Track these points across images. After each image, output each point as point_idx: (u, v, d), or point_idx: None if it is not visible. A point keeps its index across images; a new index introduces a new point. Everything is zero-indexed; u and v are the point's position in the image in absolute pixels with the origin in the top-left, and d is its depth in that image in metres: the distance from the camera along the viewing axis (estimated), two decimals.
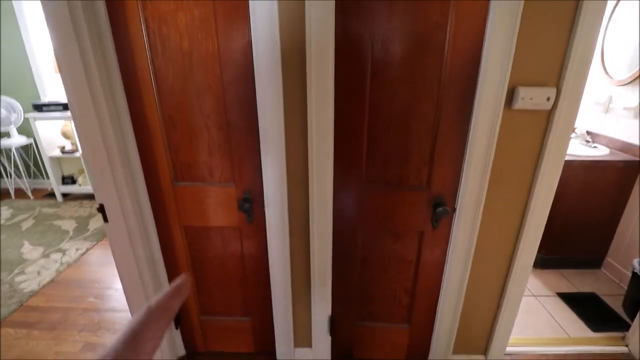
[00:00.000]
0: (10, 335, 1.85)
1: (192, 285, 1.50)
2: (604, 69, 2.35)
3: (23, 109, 3.43)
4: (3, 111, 3.28)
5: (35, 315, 1.99)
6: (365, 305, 1.53)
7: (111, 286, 2.25)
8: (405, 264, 1.42)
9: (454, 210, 1.30)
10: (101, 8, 1.07)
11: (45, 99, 3.57)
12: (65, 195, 3.73)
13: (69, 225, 3.10)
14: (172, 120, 1.22)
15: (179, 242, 1.41)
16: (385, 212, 1.33)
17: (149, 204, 1.35)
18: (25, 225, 3.08)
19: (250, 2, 1.04)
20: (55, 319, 1.96)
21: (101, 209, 1.30)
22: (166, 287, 0.29)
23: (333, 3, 1.03)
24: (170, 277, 1.49)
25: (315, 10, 1.03)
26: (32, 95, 3.54)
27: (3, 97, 3.32)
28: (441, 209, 1.24)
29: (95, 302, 2.10)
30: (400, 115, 1.18)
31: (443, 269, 1.42)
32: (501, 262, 1.40)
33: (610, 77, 2.30)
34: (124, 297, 1.47)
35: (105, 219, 1.31)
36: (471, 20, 1.05)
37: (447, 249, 1.38)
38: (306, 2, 1.03)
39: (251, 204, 1.31)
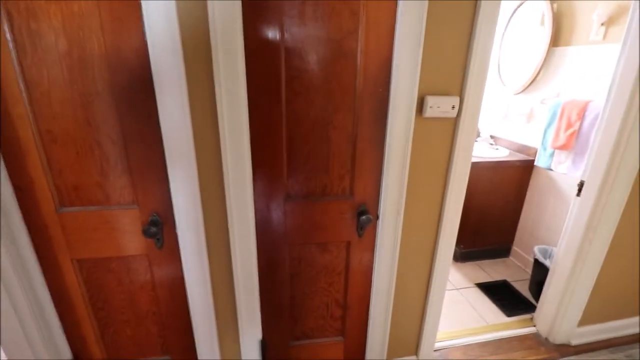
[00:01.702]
0: None
1: (94, 329, 1.27)
2: (501, 80, 2.66)
3: None
4: None
5: None
6: (298, 322, 1.46)
7: None
8: (335, 275, 1.39)
9: (377, 217, 1.30)
10: None
11: None
12: None
13: None
14: (52, 135, 1.02)
15: (72, 279, 1.18)
16: (310, 223, 1.28)
17: (28, 238, 1.11)
18: None
19: None
20: None
21: None
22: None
23: (239, 3, 0.96)
24: (64, 322, 1.24)
25: (220, 9, 0.95)
26: None
27: None
28: (365, 218, 1.24)
29: None
30: (319, 125, 1.15)
31: (371, 277, 1.42)
32: (424, 261, 1.44)
33: (507, 88, 2.61)
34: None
35: None
36: (380, 28, 1.06)
37: (373, 257, 1.38)
38: (208, 2, 0.94)
39: (160, 227, 1.16)
